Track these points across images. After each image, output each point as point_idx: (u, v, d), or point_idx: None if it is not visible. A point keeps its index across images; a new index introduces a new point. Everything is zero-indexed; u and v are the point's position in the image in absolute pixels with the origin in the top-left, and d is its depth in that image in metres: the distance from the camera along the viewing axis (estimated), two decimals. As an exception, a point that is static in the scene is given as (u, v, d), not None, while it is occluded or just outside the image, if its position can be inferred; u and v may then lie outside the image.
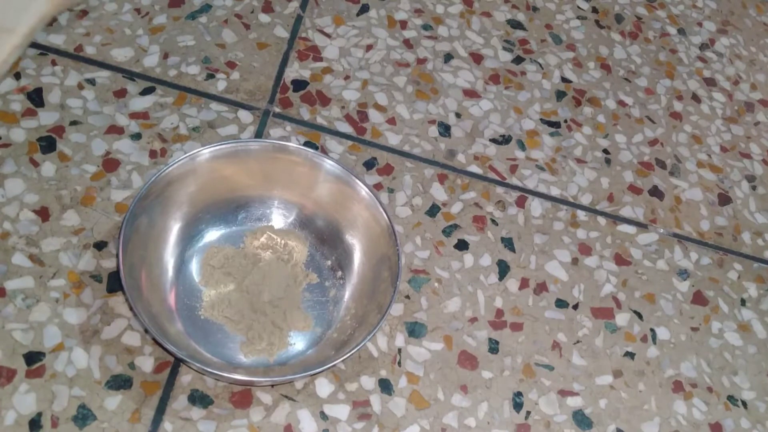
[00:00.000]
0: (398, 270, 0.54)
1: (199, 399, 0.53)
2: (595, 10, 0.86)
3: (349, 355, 0.51)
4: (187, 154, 0.55)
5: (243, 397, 0.54)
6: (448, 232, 0.65)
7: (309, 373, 0.51)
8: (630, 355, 0.63)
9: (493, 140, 0.72)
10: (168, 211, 0.56)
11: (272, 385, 0.55)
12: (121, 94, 0.66)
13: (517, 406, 0.58)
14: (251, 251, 0.59)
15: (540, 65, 0.79)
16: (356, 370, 0.57)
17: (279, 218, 0.61)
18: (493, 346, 0.60)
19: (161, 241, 0.56)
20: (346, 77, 0.72)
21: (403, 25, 0.78)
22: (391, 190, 0.66)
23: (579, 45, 0.82)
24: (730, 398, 0.63)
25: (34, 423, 0.50)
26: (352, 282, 0.58)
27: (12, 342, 0.53)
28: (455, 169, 0.69)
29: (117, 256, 0.51)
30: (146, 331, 0.54)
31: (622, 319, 0.64)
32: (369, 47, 0.75)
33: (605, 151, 0.74)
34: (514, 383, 0.59)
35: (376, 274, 0.57)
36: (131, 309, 0.54)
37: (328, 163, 0.58)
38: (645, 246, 0.69)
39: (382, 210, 0.56)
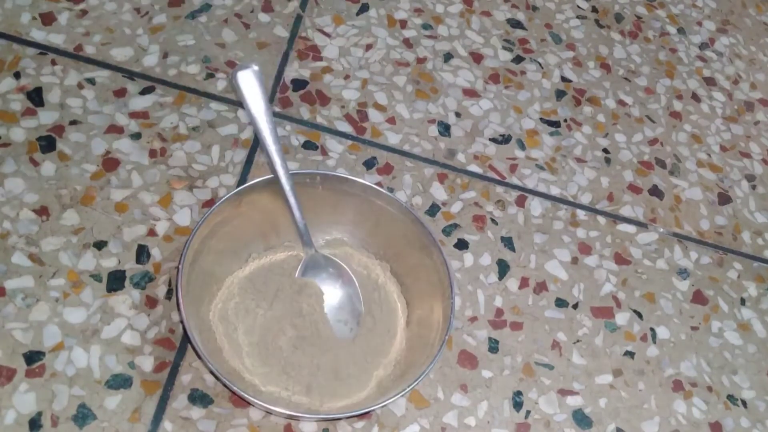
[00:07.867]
0: (450, 318, 0.53)
1: (199, 398, 0.53)
2: (594, 9, 0.86)
3: (393, 399, 0.50)
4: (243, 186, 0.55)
5: (243, 397, 0.54)
6: (448, 231, 0.65)
7: (355, 413, 0.51)
8: (630, 354, 0.63)
9: (493, 140, 0.72)
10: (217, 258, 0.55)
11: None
12: (120, 93, 0.66)
13: (517, 405, 0.58)
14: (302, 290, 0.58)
15: (540, 65, 0.79)
16: (356, 369, 0.57)
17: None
18: (493, 346, 0.60)
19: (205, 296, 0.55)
20: (346, 77, 0.72)
21: (403, 24, 0.78)
22: (391, 190, 0.66)
23: (579, 44, 0.82)
24: (730, 397, 0.63)
25: (34, 422, 0.50)
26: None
27: (12, 341, 0.53)
28: (455, 168, 0.69)
29: (178, 306, 0.50)
30: (222, 382, 0.52)
31: (621, 318, 0.64)
32: (369, 47, 0.75)
33: (605, 150, 0.74)
34: (514, 382, 0.59)
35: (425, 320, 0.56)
36: (201, 360, 0.52)
37: (397, 204, 0.57)
38: (645, 245, 0.69)
39: (441, 255, 0.55)
